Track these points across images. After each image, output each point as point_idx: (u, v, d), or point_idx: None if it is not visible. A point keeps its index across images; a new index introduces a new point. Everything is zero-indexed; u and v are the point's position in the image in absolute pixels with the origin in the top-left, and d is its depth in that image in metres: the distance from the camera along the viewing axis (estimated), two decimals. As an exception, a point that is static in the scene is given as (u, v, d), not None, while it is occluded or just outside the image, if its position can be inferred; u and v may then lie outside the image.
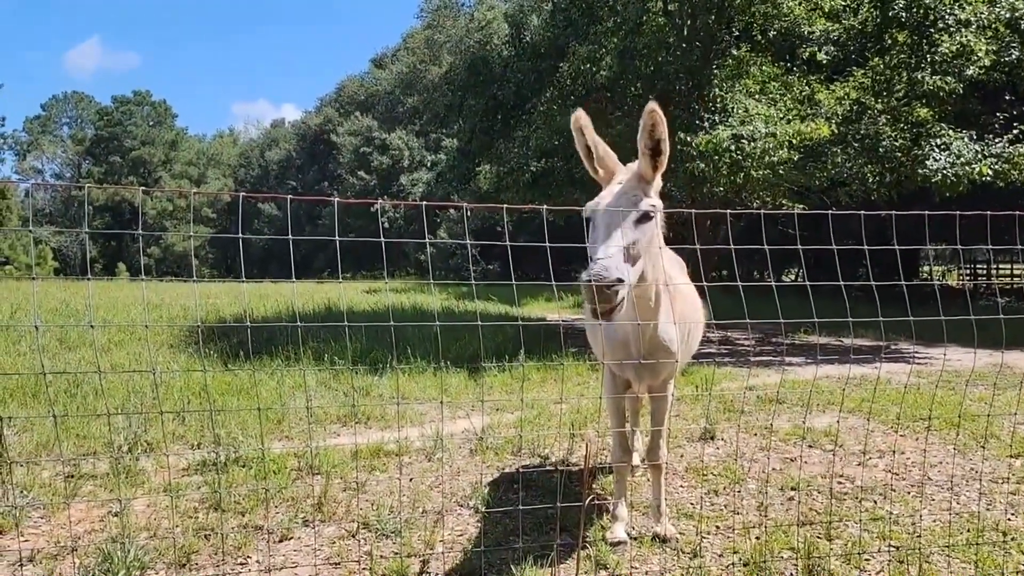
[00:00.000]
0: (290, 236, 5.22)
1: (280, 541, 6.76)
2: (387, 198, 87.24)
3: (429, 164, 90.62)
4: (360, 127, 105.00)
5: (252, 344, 17.78)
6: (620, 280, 4.81)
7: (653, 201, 5.41)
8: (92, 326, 5.97)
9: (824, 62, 22.44)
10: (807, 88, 21.61)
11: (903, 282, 5.63)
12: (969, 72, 20.59)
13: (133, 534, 6.59)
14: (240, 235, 5.36)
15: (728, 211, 5.78)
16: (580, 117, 5.51)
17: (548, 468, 8.98)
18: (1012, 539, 6.67)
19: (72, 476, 8.43)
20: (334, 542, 6.72)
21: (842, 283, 5.54)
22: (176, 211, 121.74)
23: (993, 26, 20.96)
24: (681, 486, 8.35)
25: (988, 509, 7.53)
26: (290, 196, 5.29)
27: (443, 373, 15.26)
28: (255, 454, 8.99)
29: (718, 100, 20.99)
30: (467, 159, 29.23)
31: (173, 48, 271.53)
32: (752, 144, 18.87)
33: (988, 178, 19.73)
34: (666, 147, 5.44)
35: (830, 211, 5.93)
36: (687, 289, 6.89)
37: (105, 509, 7.50)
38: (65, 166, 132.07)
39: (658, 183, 5.63)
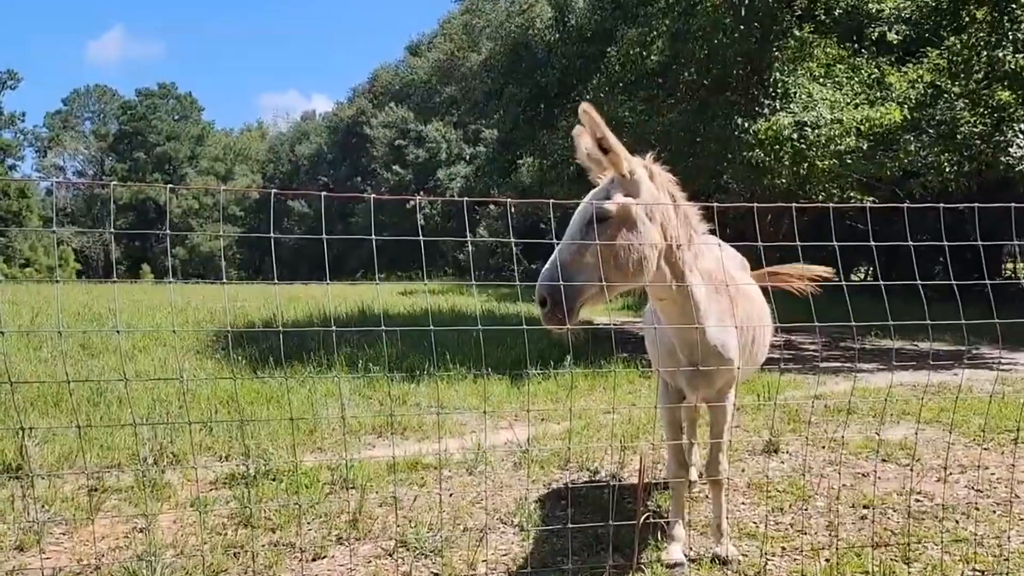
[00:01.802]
0: (323, 235, 5.19)
1: (313, 560, 6.72)
2: (423, 193, 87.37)
3: (468, 157, 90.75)
4: (395, 119, 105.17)
5: (283, 350, 17.81)
6: (547, 297, 5.09)
7: (617, 200, 5.41)
8: (118, 331, 5.96)
9: (895, 42, 22.10)
10: (876, 71, 21.36)
11: (986, 280, 5.52)
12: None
13: (159, 551, 6.56)
14: (272, 234, 5.33)
15: (792, 204, 5.67)
16: (587, 108, 5.45)
17: (598, 483, 8.91)
18: (1104, 560, 6.54)
19: (96, 490, 8.45)
20: (370, 561, 6.68)
21: (918, 282, 5.43)
22: (202, 209, 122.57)
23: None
24: (743, 503, 8.26)
25: (1079, 528, 7.40)
26: (323, 193, 5.23)
27: (484, 381, 15.20)
28: (286, 467, 8.99)
29: (779, 85, 20.76)
30: (508, 151, 29.20)
31: (199, 37, 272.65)
32: (816, 131, 18.70)
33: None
34: (609, 144, 5.56)
35: (904, 204, 5.82)
36: (752, 290, 6.79)
37: (130, 525, 7.50)
38: (88, 163, 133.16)
39: (642, 181, 5.67)
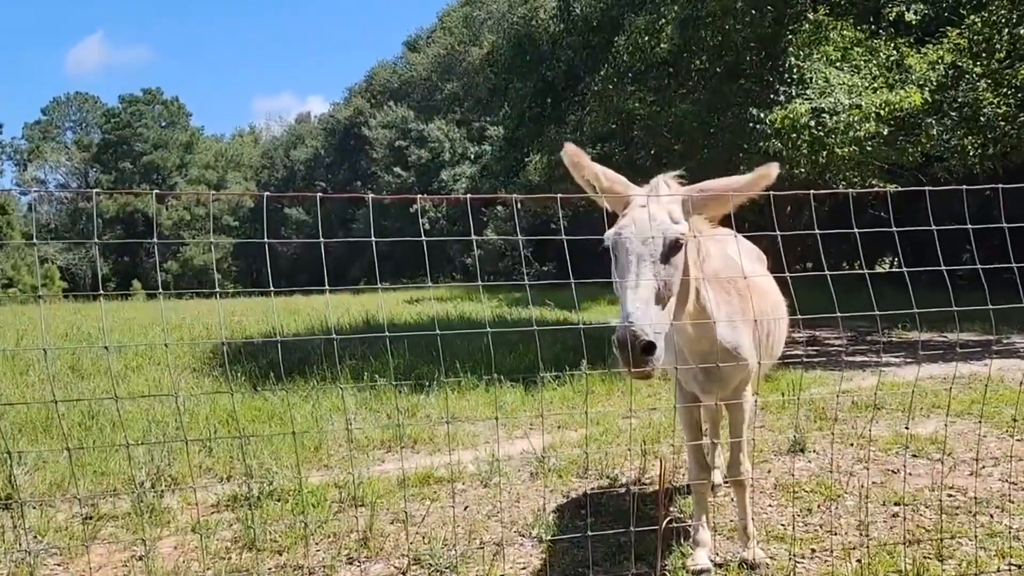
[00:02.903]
0: (321, 239, 5.21)
1: (322, 582, 6.77)
2: (427, 195, 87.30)
3: (472, 156, 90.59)
4: (394, 118, 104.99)
5: (284, 364, 17.86)
6: (652, 346, 4.67)
7: (683, 226, 5.26)
8: (106, 348, 5.97)
9: (914, 22, 21.95)
10: (895, 52, 21.25)
11: (1014, 264, 5.55)
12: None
13: (160, 579, 6.61)
14: (266, 239, 5.36)
15: (811, 192, 5.70)
16: (571, 152, 5.45)
17: (618, 490, 8.96)
18: None
19: (90, 517, 8.50)
20: (383, 580, 6.72)
21: (944, 268, 5.46)
22: (194, 220, 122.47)
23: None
24: (770, 505, 8.31)
25: (1121, 520, 7.44)
26: (319, 194, 5.27)
27: (496, 388, 15.26)
28: (291, 486, 9.04)
29: (794, 70, 20.65)
30: (515, 149, 29.15)
31: (185, 40, 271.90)
32: (834, 118, 18.66)
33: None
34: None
35: (927, 188, 5.86)
36: (765, 283, 6.84)
37: (128, 552, 7.55)
38: (70, 175, 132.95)
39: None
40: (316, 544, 7.62)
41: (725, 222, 6.20)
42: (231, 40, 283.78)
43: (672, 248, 5.06)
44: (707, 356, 5.94)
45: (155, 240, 4.88)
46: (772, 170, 5.24)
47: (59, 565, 7.34)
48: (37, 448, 11.44)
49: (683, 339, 5.93)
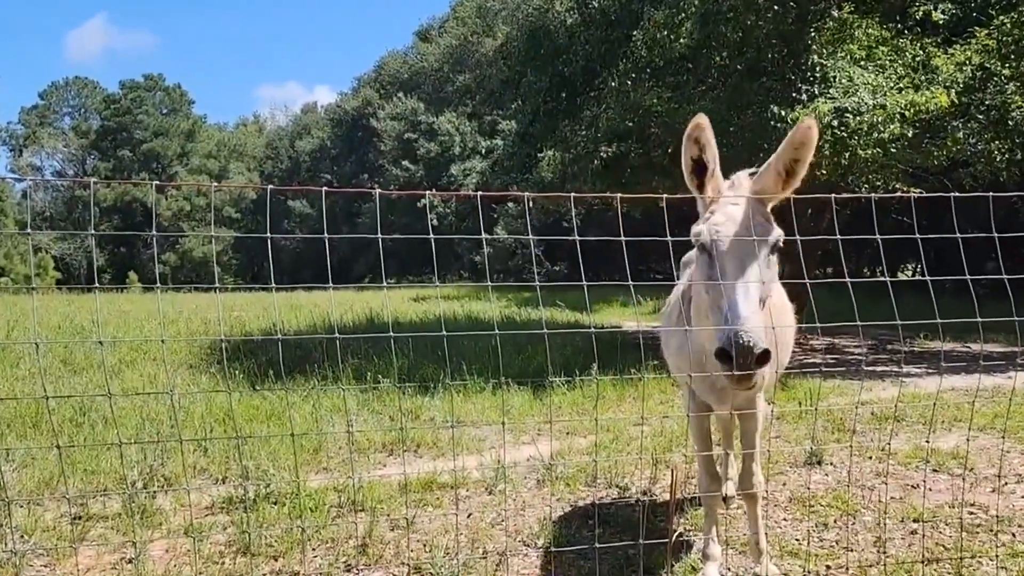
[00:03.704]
0: (325, 235, 5.20)
1: (319, 589, 6.77)
2: (436, 190, 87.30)
3: (483, 151, 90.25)
4: (404, 110, 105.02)
5: (284, 362, 17.87)
6: (767, 354, 4.57)
7: (779, 230, 5.22)
8: (100, 343, 5.95)
9: (941, 22, 21.91)
10: (921, 52, 21.20)
11: (1040, 275, 5.54)
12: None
13: (150, 583, 6.62)
14: (268, 235, 5.35)
15: (832, 195, 5.69)
16: (703, 125, 5.31)
17: (628, 500, 8.96)
18: None
19: (80, 517, 8.50)
20: (381, 589, 6.72)
21: (968, 277, 5.45)
22: (194, 211, 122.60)
23: None
24: (784, 519, 8.30)
25: None
26: (324, 188, 5.25)
27: (504, 392, 15.26)
28: (289, 489, 9.04)
29: (817, 69, 20.61)
30: (527, 144, 29.05)
31: (189, 25, 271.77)
32: (858, 118, 18.61)
33: None
34: (804, 169, 5.20)
35: (952, 194, 5.85)
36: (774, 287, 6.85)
37: (118, 555, 7.55)
38: (67, 162, 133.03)
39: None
40: (313, 550, 7.62)
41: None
42: (236, 26, 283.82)
43: (772, 250, 5.10)
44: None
45: (154, 232, 4.90)
46: (808, 123, 5.17)
47: (46, 566, 7.35)
48: (26, 444, 11.46)
49: (708, 338, 5.91)
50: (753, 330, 4.53)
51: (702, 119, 5.07)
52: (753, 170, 5.46)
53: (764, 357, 4.52)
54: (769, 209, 5.29)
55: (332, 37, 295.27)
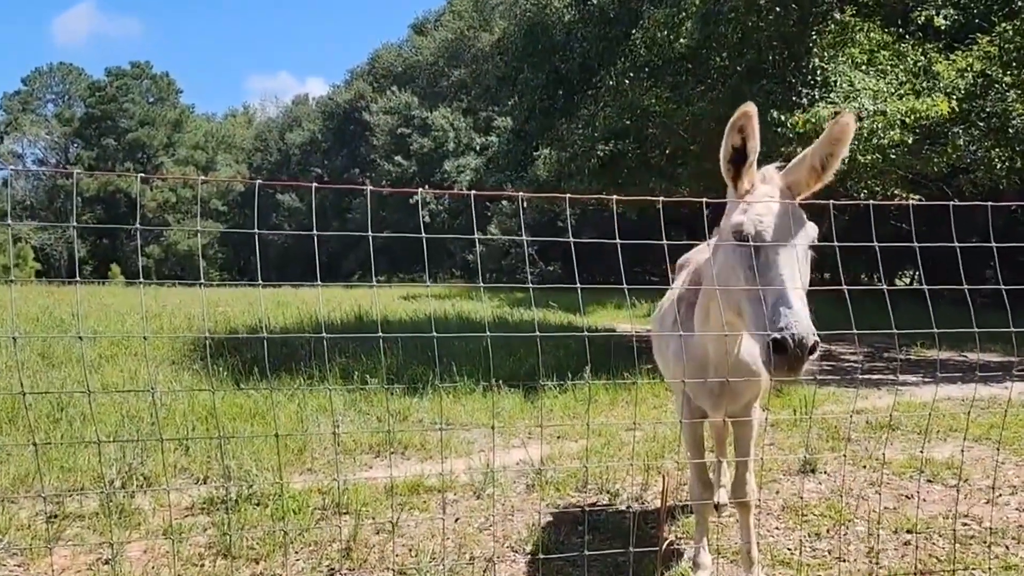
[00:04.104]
0: (315, 231, 5.18)
1: (301, 593, 6.76)
2: (429, 187, 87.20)
3: (478, 148, 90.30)
4: (397, 104, 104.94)
5: (269, 360, 17.85)
6: (816, 346, 4.59)
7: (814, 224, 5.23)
8: (80, 338, 5.93)
9: (943, 27, 21.93)
10: (923, 58, 21.24)
11: (1037, 284, 5.55)
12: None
13: (127, 585, 6.60)
14: (256, 231, 5.33)
15: (831, 202, 5.69)
16: (750, 113, 5.25)
17: (618, 507, 8.97)
18: None
19: (55, 516, 8.48)
20: (365, 594, 6.71)
21: (966, 287, 5.47)
22: (180, 203, 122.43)
23: None
24: (776, 528, 8.32)
25: None
26: (314, 184, 5.24)
27: (494, 394, 15.27)
28: (272, 490, 9.04)
29: (818, 72, 20.64)
30: (523, 142, 29.05)
31: (178, 12, 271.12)
32: (858, 124, 18.62)
33: None
34: (837, 164, 5.20)
35: (951, 202, 5.86)
36: None
37: (94, 555, 7.53)
38: (50, 150, 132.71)
39: None
40: (296, 553, 7.62)
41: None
42: (227, 14, 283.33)
43: (810, 246, 5.10)
44: (723, 363, 5.92)
45: (137, 226, 4.83)
46: (847, 119, 5.15)
47: (19, 566, 7.33)
48: (1, 440, 11.44)
49: (715, 349, 5.91)
50: (806, 320, 4.56)
51: (750, 108, 5.05)
52: (780, 164, 5.45)
53: (815, 348, 4.55)
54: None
55: (325, 28, 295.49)
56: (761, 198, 5.12)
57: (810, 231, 5.07)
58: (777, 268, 4.82)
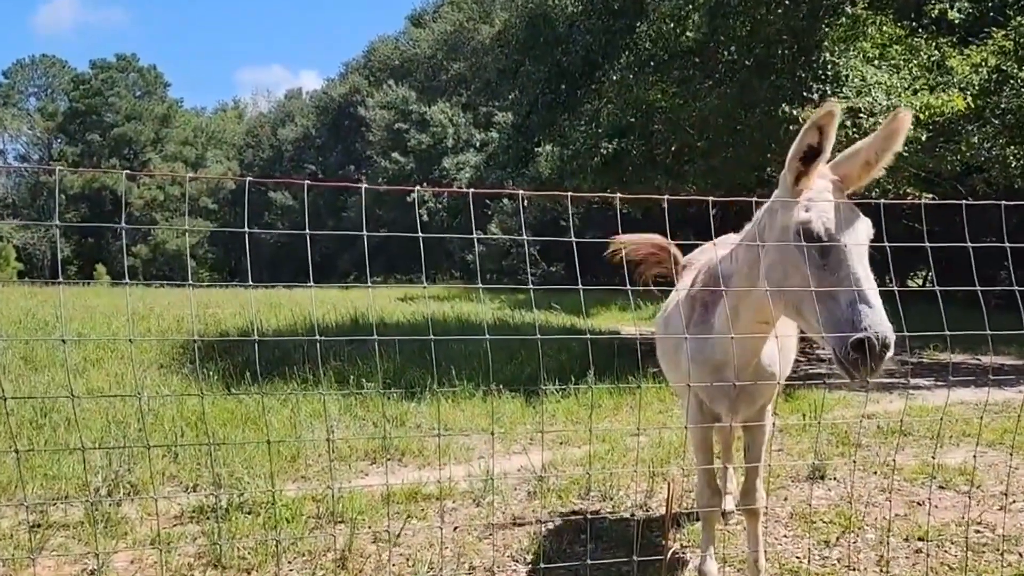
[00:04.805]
0: (307, 230, 5.19)
1: (294, 604, 6.78)
2: (427, 185, 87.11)
3: (478, 144, 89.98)
4: (394, 99, 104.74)
5: (261, 363, 17.86)
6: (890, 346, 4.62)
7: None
8: (64, 340, 5.87)
9: (957, 21, 22.01)
10: (936, 53, 21.26)
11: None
12: None
13: (114, 595, 6.62)
14: (246, 229, 5.35)
15: (843, 202, 5.72)
16: (836, 113, 5.24)
17: (622, 514, 9.00)
18: None
19: (39, 525, 8.50)
20: (360, 606, 6.74)
21: (979, 288, 5.48)
22: (168, 201, 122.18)
23: None
24: (784, 536, 8.36)
25: None
26: (307, 181, 5.23)
27: (494, 399, 15.28)
28: (264, 498, 9.04)
29: (829, 67, 20.60)
30: (524, 138, 28.98)
31: (165, 2, 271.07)
32: (871, 119, 18.63)
33: None
34: (889, 158, 5.18)
35: (964, 201, 5.87)
36: None
37: (79, 566, 7.55)
38: (32, 146, 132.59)
39: None
40: (289, 563, 7.64)
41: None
42: (216, 4, 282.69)
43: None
44: (745, 372, 5.98)
45: (123, 224, 4.83)
46: (905, 113, 5.17)
47: (2, 576, 7.35)
48: (-18, 447, 11.45)
49: (741, 353, 5.93)
50: (886, 319, 4.58)
51: (835, 108, 5.07)
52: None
53: (891, 346, 4.56)
54: None
55: (319, 19, 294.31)
56: (821, 194, 5.13)
57: (869, 227, 5.08)
58: (851, 266, 4.81)
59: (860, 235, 4.97)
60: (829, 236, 4.90)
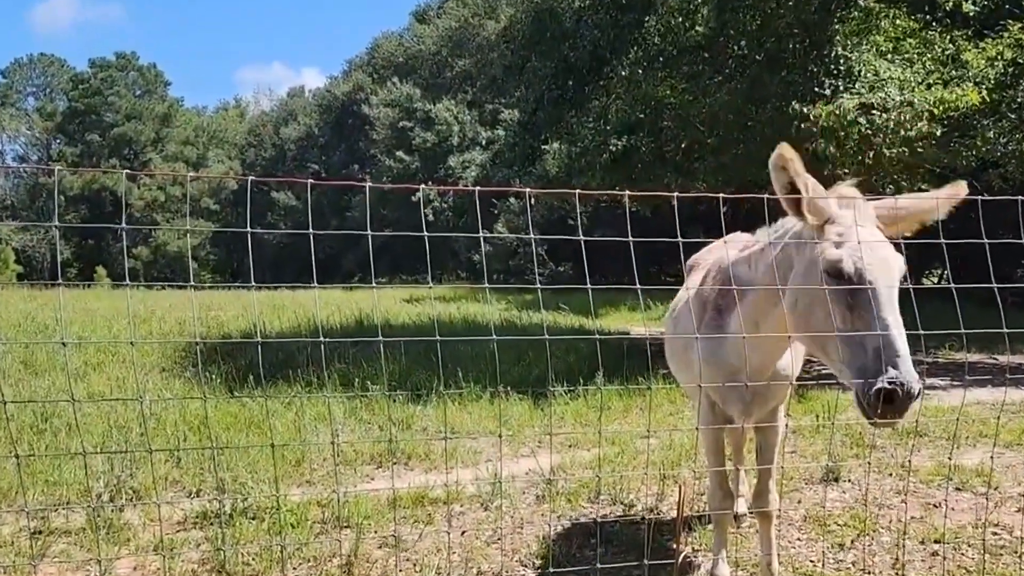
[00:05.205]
0: (310, 229, 5.18)
1: (299, 610, 6.79)
2: (432, 184, 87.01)
3: (484, 142, 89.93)
4: (398, 96, 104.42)
5: (264, 366, 17.86)
6: (918, 393, 4.62)
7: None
8: (64, 343, 5.89)
9: (972, 14, 21.76)
10: (951, 46, 21.18)
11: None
12: None
13: (116, 603, 6.63)
14: (248, 228, 5.35)
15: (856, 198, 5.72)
16: (787, 155, 5.23)
17: (633, 518, 8.99)
18: None
19: (40, 532, 8.51)
20: (367, 612, 6.74)
21: (995, 286, 5.47)
22: (169, 202, 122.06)
23: None
24: (798, 539, 8.36)
25: None
26: (311, 180, 5.23)
27: (502, 401, 15.24)
28: (268, 503, 9.05)
29: (841, 61, 20.49)
30: (531, 135, 28.88)
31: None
32: (884, 115, 18.58)
33: None
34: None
35: (980, 197, 5.86)
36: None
37: (81, 572, 7.57)
38: (31, 147, 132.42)
39: None
40: (294, 569, 7.64)
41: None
42: (217, 3, 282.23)
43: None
44: (759, 373, 5.99)
45: (123, 225, 4.81)
46: (961, 190, 5.18)
47: (3, 583, 7.36)
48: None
49: (760, 361, 5.95)
50: (913, 369, 4.57)
51: (787, 151, 5.06)
52: (851, 182, 5.43)
53: (919, 394, 4.56)
54: None
55: (322, 16, 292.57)
56: (851, 228, 5.03)
57: (902, 264, 5.01)
58: (881, 310, 4.74)
59: (893, 275, 4.91)
60: (860, 278, 4.84)
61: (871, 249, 4.90)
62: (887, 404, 4.52)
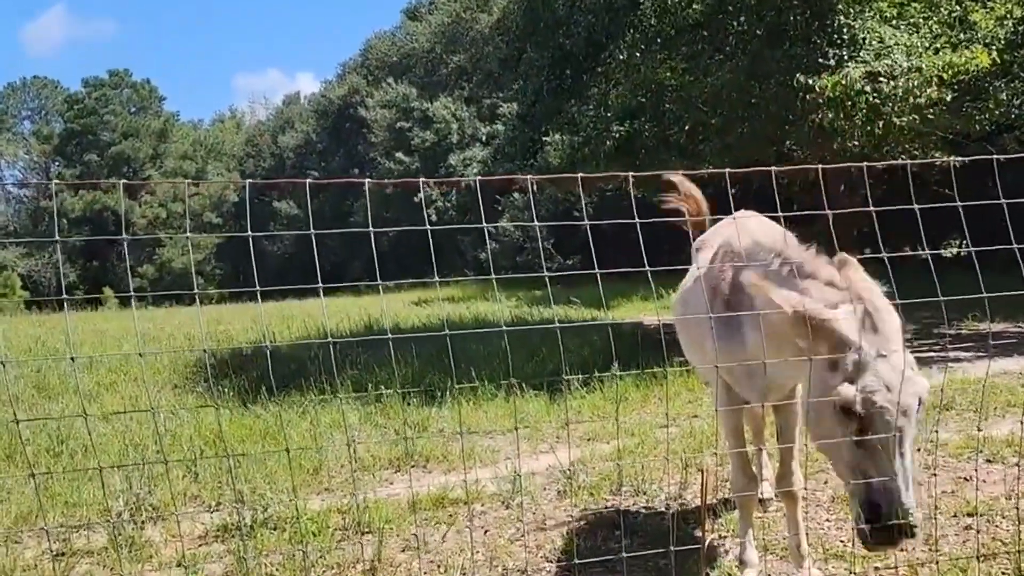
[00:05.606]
0: (311, 229, 5.18)
1: (326, 617, 6.80)
2: (433, 183, 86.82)
3: (484, 138, 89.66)
4: (395, 96, 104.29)
5: (276, 377, 17.86)
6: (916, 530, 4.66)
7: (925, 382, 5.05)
8: (72, 359, 5.85)
9: (978, -27, 21.88)
10: (958, 8, 21.11)
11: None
12: None
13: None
14: (250, 233, 5.36)
15: (865, 164, 5.71)
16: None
17: (656, 508, 9.00)
18: None
19: (63, 553, 8.53)
20: (394, 615, 6.76)
21: (1015, 246, 5.44)
22: (171, 218, 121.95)
23: None
24: (827, 520, 8.35)
25: None
26: (309, 181, 5.26)
27: (517, 397, 15.24)
28: (288, 512, 9.05)
29: (844, 30, 20.35)
30: (530, 128, 28.76)
31: (155, 11, 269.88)
32: (892, 83, 18.52)
33: None
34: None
35: (995, 157, 5.85)
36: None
37: (106, 591, 7.57)
38: (30, 171, 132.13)
39: None
40: (318, 577, 7.66)
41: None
42: (207, 9, 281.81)
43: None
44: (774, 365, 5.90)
45: (124, 236, 4.83)
46: None
47: (29, 608, 7.38)
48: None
49: (778, 341, 5.85)
50: (916, 510, 4.62)
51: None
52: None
53: (914, 530, 4.62)
54: None
55: (314, 19, 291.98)
56: (877, 363, 4.88)
57: (920, 389, 4.89)
58: (890, 452, 4.70)
59: (910, 407, 4.80)
60: (872, 425, 4.77)
61: (890, 389, 4.77)
62: (880, 541, 4.69)
